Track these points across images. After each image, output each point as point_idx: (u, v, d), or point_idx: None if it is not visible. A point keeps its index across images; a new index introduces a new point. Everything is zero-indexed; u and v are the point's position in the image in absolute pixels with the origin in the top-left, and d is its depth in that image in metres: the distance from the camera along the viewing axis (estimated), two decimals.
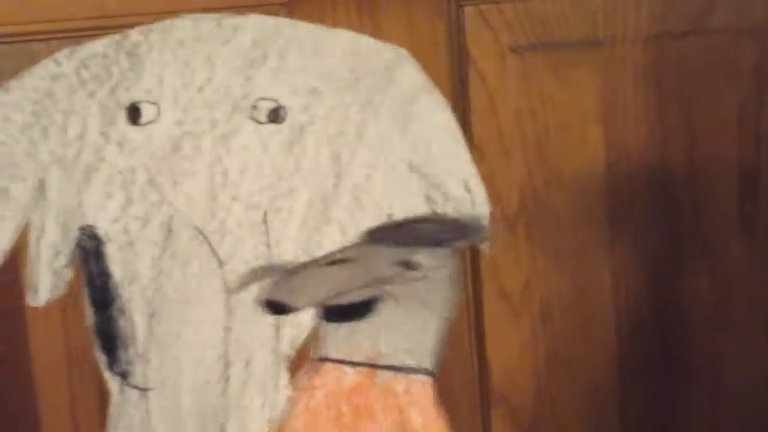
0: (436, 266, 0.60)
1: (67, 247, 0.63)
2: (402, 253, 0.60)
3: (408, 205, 0.62)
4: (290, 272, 0.60)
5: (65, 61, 0.66)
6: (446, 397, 1.08)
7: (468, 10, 1.02)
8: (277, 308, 0.59)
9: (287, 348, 0.62)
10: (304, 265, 0.61)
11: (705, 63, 1.05)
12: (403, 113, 0.61)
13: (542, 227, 1.05)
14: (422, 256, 0.60)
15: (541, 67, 1.04)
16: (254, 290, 0.61)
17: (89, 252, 0.63)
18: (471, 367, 1.06)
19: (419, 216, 0.61)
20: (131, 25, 0.98)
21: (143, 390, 0.63)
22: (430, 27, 1.02)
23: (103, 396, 1.02)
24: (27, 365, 1.04)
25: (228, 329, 0.61)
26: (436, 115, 0.62)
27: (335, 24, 1.01)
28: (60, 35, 0.98)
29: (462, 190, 0.63)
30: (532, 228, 1.05)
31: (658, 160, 1.05)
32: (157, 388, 0.63)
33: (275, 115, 0.61)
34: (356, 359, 0.61)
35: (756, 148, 1.06)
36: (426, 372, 0.62)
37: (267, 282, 0.60)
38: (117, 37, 0.65)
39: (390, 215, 0.61)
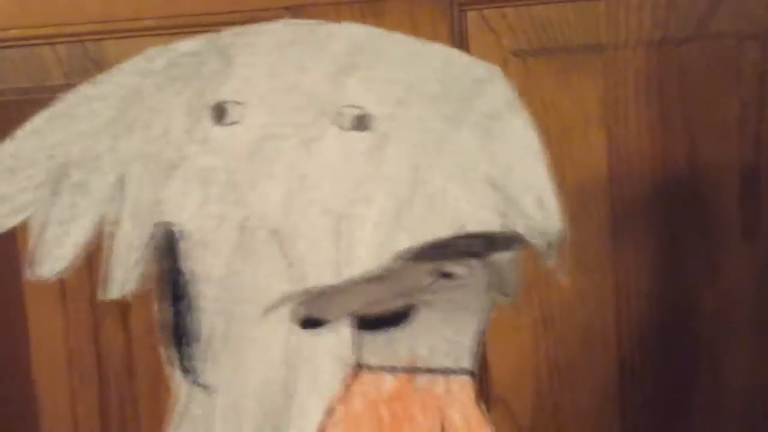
0: (470, 275, 0.59)
1: (141, 243, 0.63)
2: (436, 265, 0.59)
3: (481, 217, 0.61)
4: (325, 290, 0.59)
5: (157, 58, 0.65)
6: None
7: (471, 15, 1.03)
8: (309, 323, 0.58)
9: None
10: (342, 285, 0.60)
11: (707, 67, 1.05)
12: (487, 128, 0.60)
13: None
14: (457, 267, 0.59)
15: (543, 71, 1.04)
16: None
17: (163, 248, 0.62)
18: None
19: (455, 234, 0.60)
20: (137, 29, 0.99)
21: (209, 389, 0.62)
22: (433, 31, 1.02)
23: (102, 398, 1.03)
24: (27, 368, 1.05)
25: (292, 332, 0.60)
26: (520, 133, 0.62)
27: None
28: (65, 39, 0.99)
29: (535, 207, 0.63)
30: None
31: (660, 164, 1.06)
32: (223, 388, 0.62)
33: (359, 123, 0.60)
34: (395, 365, 0.60)
35: (757, 153, 1.06)
36: (465, 372, 0.61)
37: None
38: (210, 36, 0.63)
39: (462, 226, 0.60)
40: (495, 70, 0.63)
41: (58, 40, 0.99)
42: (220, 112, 0.62)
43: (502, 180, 0.61)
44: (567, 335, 1.07)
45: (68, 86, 1.00)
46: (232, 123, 0.61)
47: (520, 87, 1.05)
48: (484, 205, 0.61)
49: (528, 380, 1.07)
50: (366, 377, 0.60)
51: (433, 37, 1.02)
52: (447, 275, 0.58)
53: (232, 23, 1.01)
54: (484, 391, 1.07)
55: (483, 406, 0.61)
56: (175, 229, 0.62)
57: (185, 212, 0.62)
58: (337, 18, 1.01)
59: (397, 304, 0.59)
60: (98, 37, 0.99)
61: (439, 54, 0.63)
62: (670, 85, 1.05)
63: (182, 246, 0.61)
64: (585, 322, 1.07)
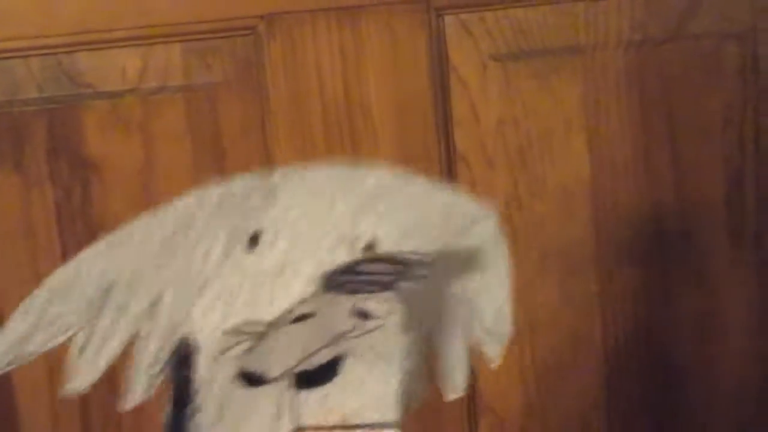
0: (387, 313, 0.65)
1: (164, 355, 0.68)
2: (354, 300, 0.64)
3: (441, 317, 0.70)
4: (259, 338, 0.65)
5: (214, 190, 0.70)
6: (434, 408, 1.08)
7: (448, 19, 1.03)
8: (252, 379, 0.65)
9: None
10: (273, 324, 0.65)
11: (687, 68, 1.05)
12: (470, 260, 0.70)
13: (527, 237, 1.05)
14: (373, 303, 0.65)
15: (522, 75, 1.04)
16: (286, 395, 0.67)
17: (182, 359, 0.68)
18: None
19: (363, 257, 0.67)
20: (110, 41, 0.99)
21: None
22: (411, 37, 1.02)
23: (84, 412, 1.03)
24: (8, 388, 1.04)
25: (278, 416, 0.67)
26: (495, 264, 0.70)
27: (316, 39, 1.02)
28: (38, 52, 0.99)
29: (494, 316, 0.72)
30: (517, 238, 1.05)
31: (642, 166, 1.06)
32: None
33: (367, 248, 0.68)
34: (329, 423, 0.65)
35: (741, 152, 1.06)
36: (392, 425, 0.65)
37: (238, 352, 0.66)
38: (262, 174, 0.70)
39: (420, 321, 0.68)
40: (490, 214, 0.71)
41: (31, 53, 0.98)
42: (254, 240, 0.68)
43: (472, 296, 0.70)
44: (553, 340, 1.07)
45: (41, 99, 1.01)
46: (263, 249, 0.68)
47: (500, 91, 1.06)
48: (455, 316, 0.70)
49: (515, 387, 1.07)
50: None
51: (412, 42, 1.02)
52: (365, 314, 0.64)
53: (206, 32, 1.01)
54: (472, 398, 1.07)
55: None
56: (193, 342, 0.68)
57: (207, 327, 0.68)
58: (314, 26, 1.01)
59: (328, 355, 0.65)
60: (71, 49, 0.98)
61: (446, 196, 0.72)
62: (652, 86, 1.05)
63: (198, 357, 0.67)
64: (571, 327, 1.06)
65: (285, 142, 1.01)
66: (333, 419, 0.65)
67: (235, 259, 0.68)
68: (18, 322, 0.69)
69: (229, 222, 0.69)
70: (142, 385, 0.68)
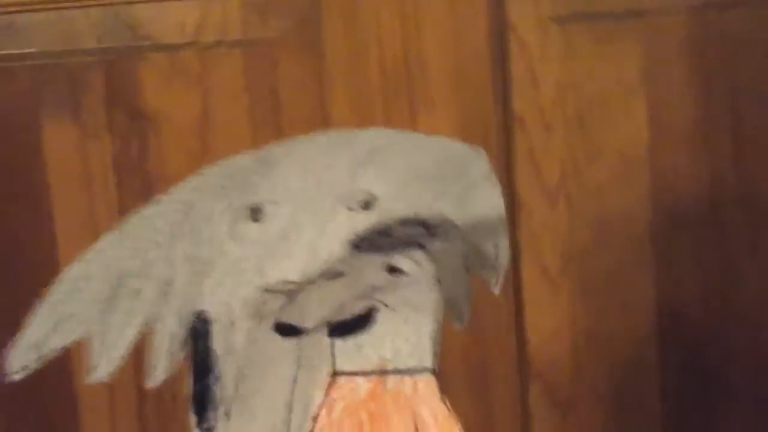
0: (418, 270, 0.68)
1: (182, 332, 0.72)
2: (386, 258, 0.68)
3: (450, 263, 0.72)
4: (294, 293, 0.69)
5: (209, 174, 0.74)
6: (484, 373, 1.08)
7: None
8: (288, 331, 0.68)
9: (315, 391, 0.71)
10: (305, 283, 0.69)
11: (750, 34, 1.03)
12: (465, 197, 0.72)
13: (583, 201, 1.04)
14: (405, 261, 0.68)
15: (583, 38, 1.03)
16: (322, 344, 0.70)
17: (199, 333, 0.72)
18: (509, 344, 1.06)
19: (393, 221, 0.70)
20: None
21: None
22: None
23: (141, 401, 1.03)
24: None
25: (295, 380, 0.70)
26: (490, 198, 0.72)
27: (375, 1, 1.01)
28: (98, 2, 0.99)
29: (492, 249, 0.73)
30: (573, 202, 1.04)
31: (701, 133, 1.04)
32: None
33: (366, 204, 0.71)
34: (366, 369, 0.68)
35: None
36: (428, 370, 0.68)
37: (274, 307, 0.70)
38: (258, 151, 0.74)
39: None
40: (480, 152, 0.74)
41: (91, 3, 0.99)
42: (255, 212, 0.72)
43: (472, 234, 0.72)
44: (606, 307, 1.06)
45: (100, 50, 1.02)
46: (266, 219, 0.72)
47: (560, 54, 1.05)
48: (454, 253, 0.72)
49: (566, 354, 1.06)
50: (342, 383, 0.68)
51: (471, 3, 1.01)
52: (397, 270, 0.68)
53: None
54: (522, 367, 1.06)
55: (447, 401, 0.67)
56: (209, 315, 0.71)
57: (219, 299, 0.72)
58: None
59: (362, 306, 0.68)
60: (131, 0, 0.99)
61: (440, 145, 0.75)
62: (713, 52, 1.03)
63: (214, 328, 0.71)
64: (624, 294, 1.06)
65: (341, 100, 1.01)
66: (369, 365, 0.68)
67: (240, 232, 0.72)
68: (37, 322, 0.73)
69: (226, 199, 0.72)
70: (164, 363, 0.71)
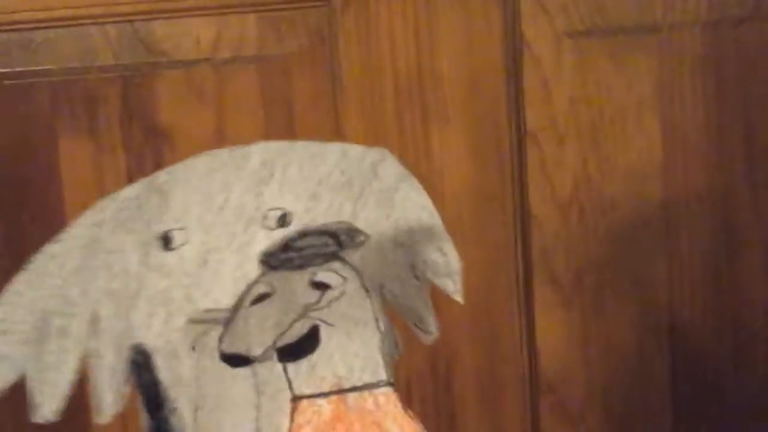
0: (341, 282, 0.69)
1: (122, 366, 0.73)
2: (307, 274, 0.69)
3: (396, 274, 0.73)
4: (226, 320, 0.70)
5: (106, 209, 0.75)
6: (494, 385, 1.08)
7: None
8: (237, 361, 0.69)
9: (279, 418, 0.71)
10: (234, 309, 0.70)
11: (764, 49, 1.03)
12: (387, 200, 0.73)
13: (595, 215, 1.05)
14: (326, 274, 0.69)
15: (597, 52, 1.03)
16: (277, 376, 0.71)
17: (141, 365, 0.73)
18: (520, 356, 1.06)
19: (291, 235, 0.71)
20: (186, 9, 0.99)
21: None
22: (485, 11, 1.01)
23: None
24: None
25: (258, 407, 0.71)
26: (414, 198, 0.74)
27: (390, 12, 1.02)
28: (114, 19, 0.99)
29: (438, 254, 0.74)
30: (585, 215, 1.04)
31: (715, 148, 1.04)
32: None
33: (283, 221, 0.72)
34: (325, 390, 0.68)
35: None
36: (385, 383, 0.68)
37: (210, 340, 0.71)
38: (147, 179, 0.75)
39: (381, 285, 0.72)
40: (384, 152, 0.75)
41: (107, 20, 0.99)
42: (166, 240, 0.73)
43: (407, 239, 0.73)
44: (617, 321, 1.06)
45: (117, 67, 1.02)
46: (179, 246, 0.73)
47: (573, 68, 1.05)
48: (399, 263, 0.73)
49: (577, 367, 1.06)
50: (305, 406, 0.68)
51: (486, 16, 1.01)
52: (324, 285, 0.68)
53: (280, 3, 1.01)
54: (533, 379, 1.07)
55: (410, 412, 0.67)
56: (147, 347, 0.72)
57: (153, 331, 0.73)
58: (388, 6, 1.01)
59: (302, 326, 0.68)
60: (148, 17, 0.99)
61: (337, 149, 0.75)
62: (727, 67, 1.03)
63: (156, 360, 0.72)
64: (637, 309, 1.06)
65: (355, 115, 1.01)
66: (327, 386, 0.68)
67: (156, 262, 0.73)
68: None
69: (133, 232, 0.73)
70: (110, 397, 0.72)
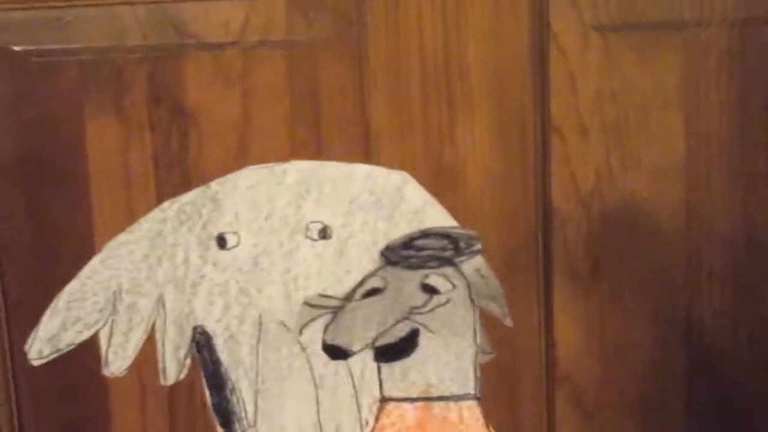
0: (450, 288, 0.73)
1: (185, 343, 0.85)
2: (418, 276, 0.73)
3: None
4: (337, 313, 0.75)
5: (168, 209, 0.89)
6: (511, 375, 1.08)
7: None
8: (336, 353, 0.74)
9: (366, 415, 0.78)
10: (347, 298, 0.76)
11: None
12: (418, 222, 0.81)
13: (617, 209, 1.04)
14: (437, 278, 0.73)
15: (623, 47, 1.02)
16: (331, 367, 0.79)
17: (202, 345, 0.84)
18: (537, 347, 1.05)
19: (417, 233, 0.76)
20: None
21: None
22: (512, 6, 1.00)
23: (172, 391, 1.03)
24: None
25: (318, 401, 0.78)
26: (442, 222, 0.81)
27: (420, 2, 1.01)
28: (144, 0, 0.99)
29: (477, 277, 0.83)
30: (607, 209, 1.03)
31: (738, 147, 1.03)
32: None
33: (324, 233, 0.82)
34: (413, 395, 0.71)
35: None
36: (472, 397, 0.70)
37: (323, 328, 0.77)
38: (202, 188, 0.89)
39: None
40: (405, 176, 0.84)
41: (138, 0, 0.99)
42: (222, 241, 0.85)
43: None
44: (635, 315, 1.05)
45: (145, 48, 1.01)
46: (233, 247, 0.85)
47: (600, 63, 1.04)
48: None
49: (594, 360, 1.06)
50: (391, 409, 0.71)
51: (514, 8, 1.00)
52: (432, 289, 0.72)
53: None
54: (550, 368, 1.06)
55: (491, 429, 0.74)
56: (208, 329, 0.84)
57: (213, 316, 0.84)
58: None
59: (405, 329, 0.71)
60: (177, 0, 0.99)
61: (362, 171, 0.85)
62: (753, 66, 1.02)
63: (216, 342, 0.83)
64: (655, 303, 1.05)
65: (382, 103, 1.00)
66: (416, 391, 0.69)
67: (213, 258, 0.84)
68: (48, 323, 0.88)
69: (192, 231, 0.86)
70: (173, 366, 0.85)
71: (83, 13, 0.99)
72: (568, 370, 1.05)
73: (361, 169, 0.83)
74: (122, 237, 0.89)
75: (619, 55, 1.01)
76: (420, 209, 0.79)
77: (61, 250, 0.98)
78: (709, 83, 1.02)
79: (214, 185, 0.87)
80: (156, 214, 0.89)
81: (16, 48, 1.00)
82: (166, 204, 0.89)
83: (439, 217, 0.78)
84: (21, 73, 1.00)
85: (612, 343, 1.05)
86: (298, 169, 0.85)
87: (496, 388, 1.02)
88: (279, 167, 0.85)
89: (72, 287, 0.89)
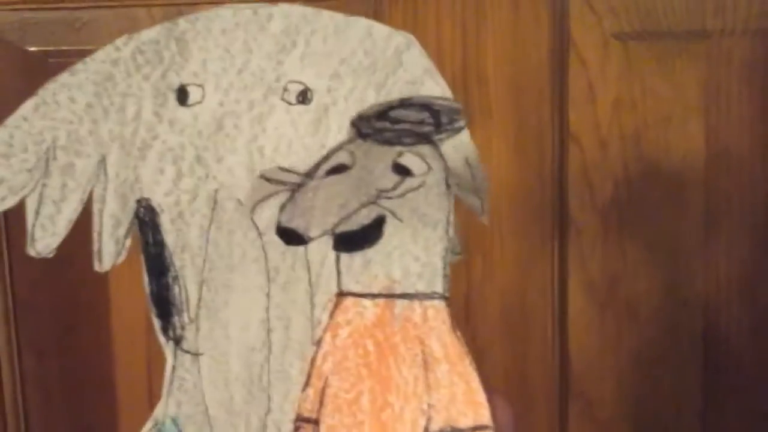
0: (426, 170, 0.62)
1: (126, 218, 0.69)
2: (391, 154, 0.62)
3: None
4: (295, 191, 0.64)
5: (123, 47, 0.71)
6: (524, 387, 1.07)
7: None
8: (292, 237, 0.63)
9: (320, 313, 0.65)
10: (308, 174, 0.64)
11: None
12: (411, 94, 0.67)
13: (635, 220, 1.02)
14: (412, 158, 0.62)
15: (644, 56, 1.00)
16: (288, 259, 0.65)
17: (146, 222, 0.69)
18: (551, 359, 1.04)
19: (395, 102, 0.65)
20: None
21: (195, 355, 0.67)
22: (533, 10, 0.99)
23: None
24: (107, 330, 1.05)
25: (268, 296, 0.66)
26: (439, 95, 0.68)
27: (438, 7, 1.00)
28: (161, 1, 0.99)
29: (464, 166, 0.67)
30: (624, 220, 1.02)
31: (759, 159, 1.02)
32: (207, 353, 0.67)
33: (303, 97, 0.68)
34: (374, 291, 0.62)
35: None
36: (439, 296, 0.61)
37: (275, 203, 0.65)
38: (167, 24, 0.70)
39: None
40: (411, 39, 0.70)
41: (154, 2, 0.98)
42: (182, 94, 0.69)
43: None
44: (652, 330, 1.04)
45: None
46: (194, 103, 0.69)
47: (619, 71, 1.03)
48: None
49: (609, 374, 1.04)
50: (348, 305, 0.62)
51: (534, 16, 0.99)
52: (405, 170, 0.61)
53: None
54: (564, 381, 1.05)
55: (458, 333, 0.61)
56: (154, 204, 0.69)
57: (161, 188, 0.69)
58: (437, 1, 0.99)
59: (370, 215, 0.61)
60: (193, 1, 0.98)
61: (362, 26, 0.70)
62: None
63: (162, 219, 0.68)
64: (672, 317, 1.04)
65: None
66: (377, 286, 0.62)
67: (170, 116, 0.69)
68: None
69: (149, 79, 0.69)
70: (111, 247, 0.69)
71: (100, 14, 0.98)
72: (582, 383, 1.04)
73: (362, 23, 0.69)
74: (63, 77, 0.71)
75: (640, 64, 1.00)
76: (417, 79, 0.68)
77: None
78: (731, 93, 1.00)
79: (182, 22, 0.70)
80: (108, 51, 0.71)
81: (32, 48, 0.99)
82: (120, 40, 0.71)
83: (437, 91, 0.67)
84: (38, 74, 0.99)
85: (627, 356, 1.04)
86: (286, 14, 0.69)
87: (508, 399, 1.01)
88: (264, 9, 0.69)
89: None
